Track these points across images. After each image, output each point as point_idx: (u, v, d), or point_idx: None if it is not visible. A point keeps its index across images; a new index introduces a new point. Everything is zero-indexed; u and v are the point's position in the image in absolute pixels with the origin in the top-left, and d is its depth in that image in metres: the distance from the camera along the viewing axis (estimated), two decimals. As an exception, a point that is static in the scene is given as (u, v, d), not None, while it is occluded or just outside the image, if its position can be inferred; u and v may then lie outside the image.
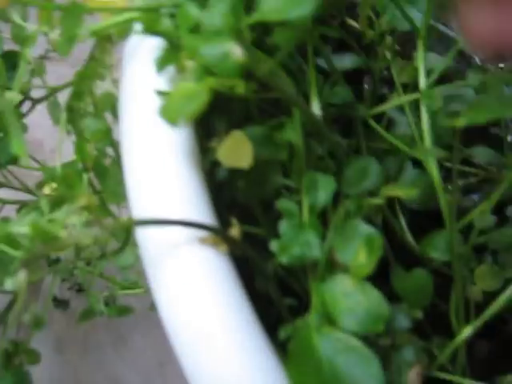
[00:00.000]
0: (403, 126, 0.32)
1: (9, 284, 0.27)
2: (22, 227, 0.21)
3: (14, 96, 0.29)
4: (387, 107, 0.28)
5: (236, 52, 0.19)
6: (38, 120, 0.39)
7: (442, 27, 0.37)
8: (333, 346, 0.21)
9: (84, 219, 0.22)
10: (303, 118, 0.24)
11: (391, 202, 0.31)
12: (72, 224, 0.21)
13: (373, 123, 0.27)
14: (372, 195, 0.26)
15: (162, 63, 0.22)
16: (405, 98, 0.28)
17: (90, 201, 0.20)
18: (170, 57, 0.23)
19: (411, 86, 0.31)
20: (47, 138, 0.47)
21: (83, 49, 0.46)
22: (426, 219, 0.33)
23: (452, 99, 0.29)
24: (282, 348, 0.23)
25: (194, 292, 0.20)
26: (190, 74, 0.22)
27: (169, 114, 0.20)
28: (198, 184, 0.22)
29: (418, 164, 0.31)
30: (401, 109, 0.31)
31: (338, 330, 0.21)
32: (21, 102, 0.37)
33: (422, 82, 0.26)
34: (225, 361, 0.20)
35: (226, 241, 0.21)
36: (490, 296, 0.28)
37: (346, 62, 0.29)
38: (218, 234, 0.21)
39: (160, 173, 0.22)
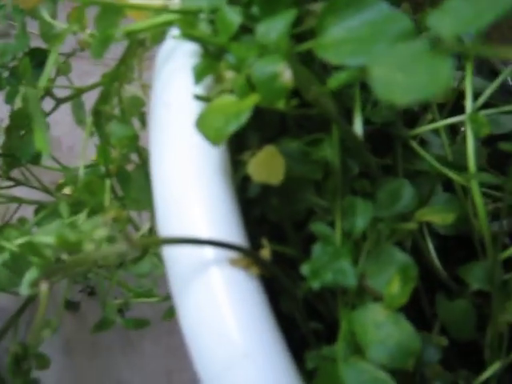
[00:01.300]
0: (436, 147, 0.31)
1: (24, 289, 0.26)
2: (46, 236, 0.20)
3: (39, 93, 0.28)
4: (427, 129, 0.27)
5: (286, 74, 0.18)
6: (57, 117, 0.39)
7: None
8: (359, 378, 0.20)
9: (110, 232, 0.21)
10: (342, 136, 0.23)
11: (419, 225, 0.30)
12: (98, 237, 0.20)
13: (414, 144, 0.26)
14: (405, 219, 0.25)
15: (200, 73, 0.22)
16: (448, 121, 0.27)
17: (119, 214, 0.20)
18: (209, 66, 0.22)
19: (448, 107, 0.31)
20: (65, 136, 0.46)
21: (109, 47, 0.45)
22: (453, 244, 0.32)
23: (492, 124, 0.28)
24: (308, 374, 0.22)
25: (222, 317, 0.19)
26: (231, 86, 0.21)
27: (208, 131, 0.19)
28: (229, 202, 0.21)
29: (447, 187, 0.31)
30: (434, 130, 0.30)
31: (366, 362, 0.20)
32: (42, 99, 0.36)
33: (469, 104, 0.25)
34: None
35: (256, 263, 0.20)
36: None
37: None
38: (249, 256, 0.20)
39: (190, 189, 0.21)
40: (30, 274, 0.26)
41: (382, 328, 0.20)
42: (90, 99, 0.37)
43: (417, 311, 0.27)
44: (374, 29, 0.17)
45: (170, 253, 0.21)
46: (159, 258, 0.32)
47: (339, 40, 0.18)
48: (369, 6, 0.18)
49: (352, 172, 0.24)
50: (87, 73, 0.48)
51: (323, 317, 0.24)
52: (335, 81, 0.16)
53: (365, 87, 0.27)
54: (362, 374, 0.20)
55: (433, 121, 0.31)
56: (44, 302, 0.20)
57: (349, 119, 0.25)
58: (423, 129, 0.28)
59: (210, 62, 0.22)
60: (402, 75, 0.13)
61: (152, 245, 0.20)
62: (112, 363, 0.45)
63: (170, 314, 0.36)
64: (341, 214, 0.22)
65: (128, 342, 0.46)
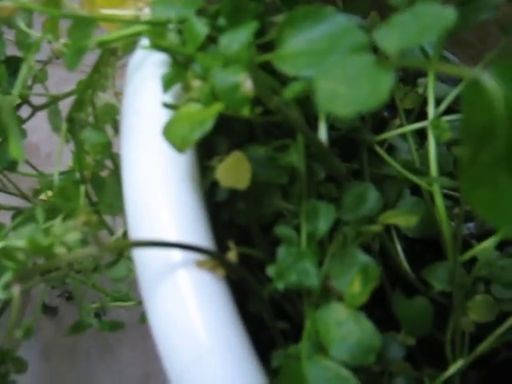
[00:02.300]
0: (403, 152, 0.32)
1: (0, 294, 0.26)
2: (18, 240, 0.21)
3: (13, 100, 0.29)
4: (393, 134, 0.28)
5: (247, 84, 0.19)
6: (35, 124, 0.39)
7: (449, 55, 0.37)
8: (322, 375, 0.21)
9: (81, 236, 0.21)
10: (307, 142, 0.24)
11: (388, 228, 0.31)
12: (69, 240, 0.20)
13: (378, 149, 0.27)
14: (370, 221, 0.26)
15: (169, 81, 0.22)
16: (412, 127, 0.28)
17: (90, 218, 0.20)
18: (177, 75, 0.23)
19: (415, 113, 0.32)
20: (43, 142, 0.46)
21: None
22: (421, 246, 0.33)
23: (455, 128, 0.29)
24: (273, 373, 0.23)
25: (189, 317, 0.20)
26: (197, 94, 0.22)
27: (174, 138, 0.19)
28: (197, 206, 0.22)
29: (415, 191, 0.31)
30: (402, 135, 0.31)
31: (329, 359, 0.21)
32: (19, 107, 0.37)
33: (431, 111, 0.26)
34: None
35: (223, 265, 0.21)
36: (482, 326, 0.28)
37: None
38: (216, 258, 0.21)
39: (159, 194, 0.22)
40: (5, 279, 0.26)
41: (343, 326, 0.21)
42: (66, 106, 0.38)
43: (384, 311, 0.28)
44: (329, 41, 0.18)
45: (139, 256, 0.22)
46: (133, 262, 0.33)
47: (296, 52, 0.18)
48: (326, 18, 0.19)
49: (318, 177, 0.25)
50: (64, 79, 0.48)
51: (291, 317, 0.25)
52: (290, 91, 0.17)
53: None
54: (325, 371, 0.20)
55: (400, 126, 0.32)
56: (16, 304, 0.21)
57: (315, 125, 0.25)
58: (389, 134, 0.28)
59: (178, 71, 0.23)
60: (345, 88, 0.14)
61: (122, 248, 0.20)
62: (90, 368, 0.46)
63: (146, 317, 0.36)
64: (305, 217, 0.23)
65: (106, 346, 0.46)
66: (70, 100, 0.35)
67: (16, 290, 0.20)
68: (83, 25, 0.25)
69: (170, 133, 0.20)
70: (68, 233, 0.20)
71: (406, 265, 0.31)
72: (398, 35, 0.15)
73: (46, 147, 0.46)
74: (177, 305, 0.20)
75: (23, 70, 0.26)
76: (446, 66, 0.14)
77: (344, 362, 0.20)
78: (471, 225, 0.36)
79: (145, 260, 0.22)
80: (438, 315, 0.28)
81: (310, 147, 0.25)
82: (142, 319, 0.36)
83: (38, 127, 0.41)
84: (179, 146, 0.19)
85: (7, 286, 0.21)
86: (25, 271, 0.21)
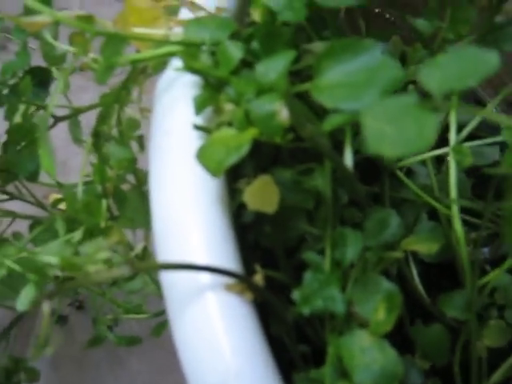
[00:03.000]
0: (422, 176, 0.32)
1: (22, 306, 0.26)
2: (49, 257, 0.21)
3: (47, 116, 0.29)
4: (415, 160, 0.28)
5: (283, 113, 0.19)
6: (51, 132, 0.39)
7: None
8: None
9: (110, 255, 0.22)
10: (334, 167, 0.24)
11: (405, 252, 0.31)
12: (101, 259, 0.21)
13: (400, 174, 0.28)
14: (390, 247, 0.27)
15: (201, 104, 0.23)
16: (434, 153, 0.28)
17: (122, 238, 0.20)
18: (210, 97, 0.23)
19: (436, 139, 0.32)
20: (59, 150, 0.46)
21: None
22: (436, 270, 0.33)
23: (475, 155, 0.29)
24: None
25: (216, 340, 0.20)
26: (229, 118, 0.22)
27: (209, 162, 0.20)
28: (226, 228, 0.22)
29: (432, 216, 0.32)
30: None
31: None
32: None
33: (453, 137, 0.26)
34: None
35: (250, 289, 0.21)
36: (495, 351, 0.28)
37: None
38: (244, 281, 0.21)
39: (189, 215, 0.22)
40: (28, 291, 0.27)
41: (367, 353, 0.21)
42: (85, 117, 0.38)
43: (400, 335, 0.28)
44: (367, 75, 0.19)
45: (167, 277, 0.22)
46: (150, 277, 0.33)
47: (334, 83, 0.19)
48: (364, 51, 0.19)
49: (342, 201, 0.26)
50: (82, 88, 0.48)
51: (310, 340, 0.25)
52: (329, 124, 0.18)
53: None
54: (348, 397, 0.20)
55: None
56: (46, 321, 0.21)
57: (339, 149, 0.26)
58: (410, 160, 0.29)
59: (211, 94, 0.23)
60: (391, 128, 0.14)
61: (152, 269, 0.20)
62: (99, 378, 0.46)
63: (159, 330, 0.36)
64: (331, 243, 0.23)
65: (115, 356, 0.47)
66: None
67: (46, 307, 0.21)
68: (115, 42, 0.26)
69: (204, 157, 0.20)
70: (99, 252, 0.21)
71: (421, 289, 0.31)
72: (439, 77, 0.15)
73: (61, 155, 0.46)
74: (204, 327, 0.21)
75: (59, 84, 0.26)
76: (492, 114, 0.14)
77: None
78: (486, 249, 0.36)
79: (173, 281, 0.22)
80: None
81: (335, 172, 0.25)
82: (155, 332, 0.37)
83: (55, 135, 0.41)
84: (214, 170, 0.20)
85: (36, 303, 0.21)
86: (54, 288, 0.21)
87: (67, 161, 0.47)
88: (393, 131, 0.14)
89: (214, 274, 0.21)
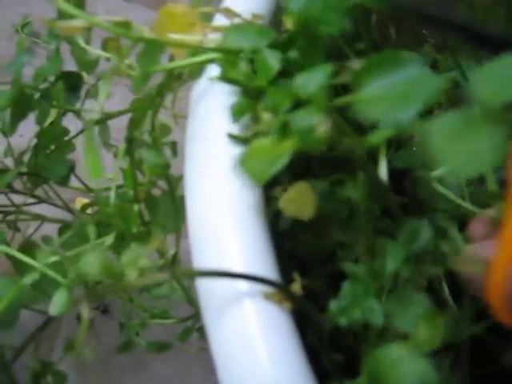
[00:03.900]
0: (453, 188, 0.32)
1: (55, 310, 0.27)
2: (91, 266, 0.21)
3: (91, 123, 0.29)
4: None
5: (324, 127, 0.19)
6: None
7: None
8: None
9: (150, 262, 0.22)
10: (367, 179, 0.24)
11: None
12: (141, 267, 0.21)
13: (439, 187, 0.28)
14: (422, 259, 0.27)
15: (239, 112, 0.23)
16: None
17: (162, 245, 0.20)
18: (248, 106, 0.23)
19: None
20: (82, 156, 0.46)
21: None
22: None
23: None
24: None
25: (254, 347, 0.20)
26: (266, 127, 0.22)
27: (252, 171, 0.20)
28: (263, 236, 0.22)
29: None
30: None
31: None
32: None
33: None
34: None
35: (288, 298, 0.21)
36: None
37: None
38: (282, 290, 0.21)
39: (226, 220, 0.22)
40: (60, 296, 0.27)
41: (403, 365, 0.21)
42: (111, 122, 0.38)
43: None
44: (408, 87, 0.19)
45: (205, 283, 0.22)
46: (179, 283, 0.33)
47: (375, 97, 0.19)
48: (403, 63, 0.19)
49: (374, 212, 0.25)
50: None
51: (342, 350, 0.25)
52: (375, 138, 0.18)
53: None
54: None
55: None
56: (85, 325, 0.21)
57: (372, 160, 0.26)
58: (443, 170, 0.29)
59: (249, 102, 0.23)
60: (460, 145, 0.14)
61: (191, 275, 0.20)
62: (123, 382, 0.46)
63: (185, 335, 0.36)
64: (370, 254, 0.23)
65: (140, 361, 0.47)
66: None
67: (85, 312, 0.21)
68: (152, 49, 0.26)
69: (247, 166, 0.20)
70: (140, 259, 0.21)
71: (451, 300, 0.31)
72: (497, 86, 0.15)
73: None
74: (243, 335, 0.21)
75: (102, 93, 0.26)
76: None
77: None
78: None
79: (210, 288, 0.22)
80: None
81: (368, 182, 0.25)
82: (181, 337, 0.37)
83: (77, 141, 0.41)
84: (258, 179, 0.20)
85: (76, 303, 0.21)
86: (94, 292, 0.21)
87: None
88: (461, 148, 0.14)
89: (252, 282, 0.21)
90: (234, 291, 0.21)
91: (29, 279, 0.27)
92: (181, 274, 0.21)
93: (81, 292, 0.23)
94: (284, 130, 0.21)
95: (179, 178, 0.30)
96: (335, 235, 0.25)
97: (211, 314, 0.22)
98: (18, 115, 0.31)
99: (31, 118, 0.37)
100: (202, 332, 0.39)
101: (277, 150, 0.20)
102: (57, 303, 0.27)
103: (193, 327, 0.37)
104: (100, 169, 0.23)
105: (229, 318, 0.21)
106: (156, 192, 0.32)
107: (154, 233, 0.26)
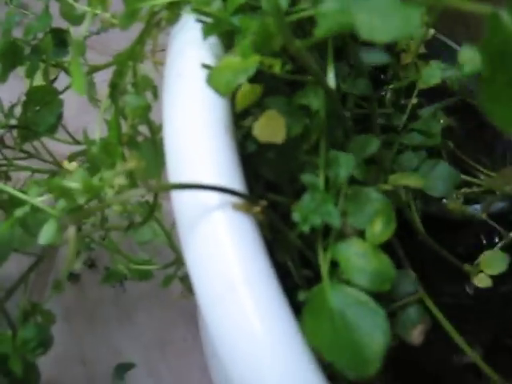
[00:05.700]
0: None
1: (44, 239, 0.28)
2: (73, 183, 0.23)
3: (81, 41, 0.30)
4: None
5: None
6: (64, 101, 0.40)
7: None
8: (344, 300, 0.22)
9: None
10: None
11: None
12: (119, 184, 0.23)
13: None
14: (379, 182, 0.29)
15: (208, 30, 0.25)
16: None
17: (138, 163, 0.22)
18: (217, 25, 0.25)
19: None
20: (71, 119, 0.48)
21: (111, 38, 0.48)
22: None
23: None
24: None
25: (224, 251, 0.22)
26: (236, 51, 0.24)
27: (218, 84, 0.22)
28: (233, 154, 0.24)
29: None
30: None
31: (350, 286, 0.23)
32: (55, 80, 0.39)
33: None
34: (246, 312, 0.22)
35: (256, 208, 0.23)
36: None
37: (373, 57, 0.32)
38: (251, 201, 0.23)
39: (199, 141, 0.24)
40: (49, 226, 0.29)
41: (362, 257, 0.23)
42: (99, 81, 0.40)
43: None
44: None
45: (178, 198, 0.24)
46: (160, 225, 0.35)
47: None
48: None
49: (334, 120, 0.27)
50: (94, 62, 0.50)
51: (312, 265, 0.27)
52: (321, 29, 0.19)
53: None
54: (347, 296, 0.22)
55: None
56: (73, 242, 0.22)
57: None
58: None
59: (218, 21, 0.25)
60: (380, 21, 0.16)
61: (165, 189, 0.22)
62: (108, 332, 0.48)
63: (168, 281, 0.38)
64: (325, 166, 0.25)
65: (124, 312, 0.48)
66: (100, 76, 0.38)
67: (72, 230, 0.22)
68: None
69: (214, 79, 0.22)
70: (117, 176, 0.22)
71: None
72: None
73: (72, 124, 0.48)
74: (213, 241, 0.22)
75: (78, 41, 0.28)
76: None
77: (363, 289, 0.22)
78: (477, 206, 0.38)
79: (184, 201, 0.24)
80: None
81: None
82: (165, 283, 0.38)
83: (67, 104, 0.42)
84: (223, 91, 0.22)
85: (63, 226, 0.23)
86: (79, 213, 0.23)
87: (78, 130, 0.49)
88: (382, 23, 0.16)
89: (223, 194, 0.23)
90: (204, 202, 0.23)
91: (20, 212, 0.29)
92: (156, 188, 0.22)
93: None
94: (250, 49, 0.23)
95: (160, 125, 0.31)
96: (300, 157, 0.27)
97: (184, 225, 0.23)
98: (9, 65, 0.32)
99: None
100: (184, 280, 0.41)
101: (244, 63, 0.22)
102: (46, 232, 0.28)
103: (175, 273, 0.39)
104: (83, 85, 0.24)
105: (200, 226, 0.23)
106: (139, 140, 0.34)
107: (132, 153, 0.28)
